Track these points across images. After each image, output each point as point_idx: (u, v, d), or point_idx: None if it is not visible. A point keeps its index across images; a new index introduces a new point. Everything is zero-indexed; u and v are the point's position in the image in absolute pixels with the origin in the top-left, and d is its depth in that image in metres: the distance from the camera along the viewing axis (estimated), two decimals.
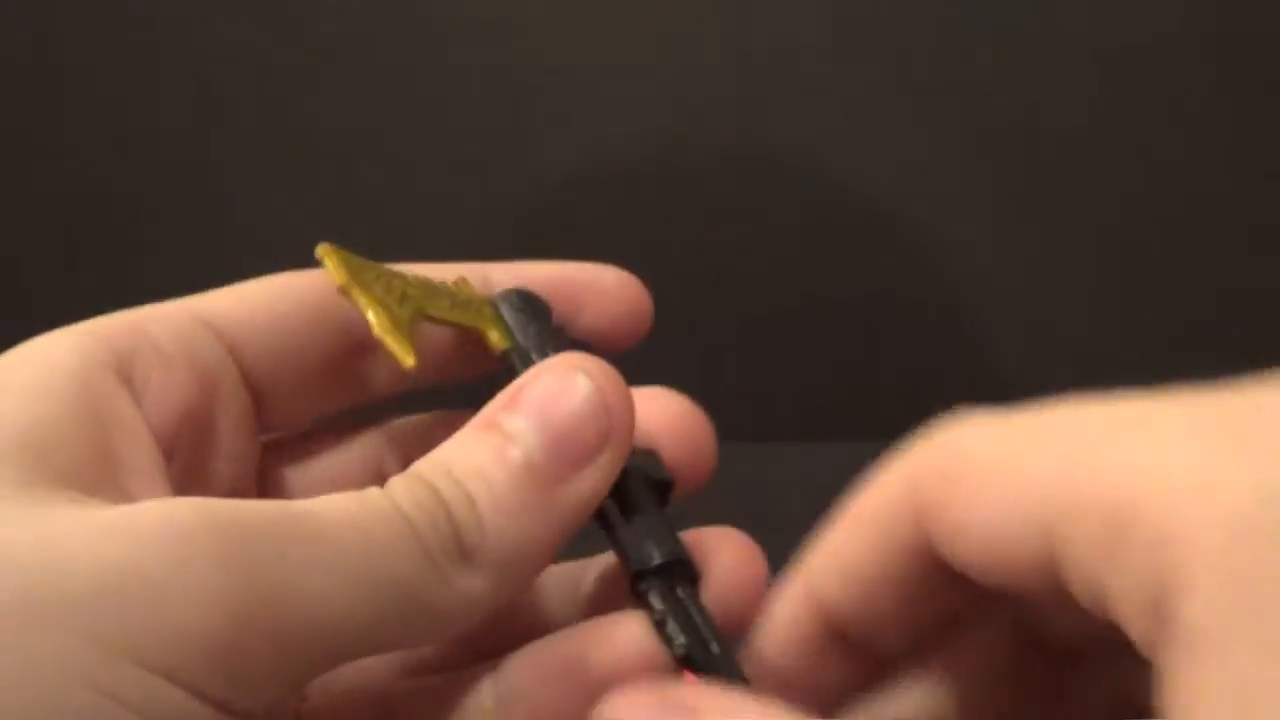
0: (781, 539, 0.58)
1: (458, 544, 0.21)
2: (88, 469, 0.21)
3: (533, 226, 0.66)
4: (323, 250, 0.28)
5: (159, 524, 0.19)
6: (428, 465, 0.23)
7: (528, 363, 0.27)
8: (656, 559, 0.26)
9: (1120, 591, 0.16)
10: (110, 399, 0.23)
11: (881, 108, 0.69)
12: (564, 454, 0.23)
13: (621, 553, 0.27)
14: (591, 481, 0.23)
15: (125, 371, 0.24)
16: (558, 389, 0.24)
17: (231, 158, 0.69)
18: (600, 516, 0.27)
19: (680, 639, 0.25)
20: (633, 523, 0.27)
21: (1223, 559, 0.15)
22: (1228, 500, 0.15)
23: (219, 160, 0.70)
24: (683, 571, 0.27)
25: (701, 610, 0.26)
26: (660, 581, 0.26)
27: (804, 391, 0.71)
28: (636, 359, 0.70)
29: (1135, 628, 0.16)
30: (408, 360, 0.27)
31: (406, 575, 0.21)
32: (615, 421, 0.23)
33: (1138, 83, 0.70)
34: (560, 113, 0.64)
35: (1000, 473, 0.18)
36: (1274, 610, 0.14)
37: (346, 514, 0.21)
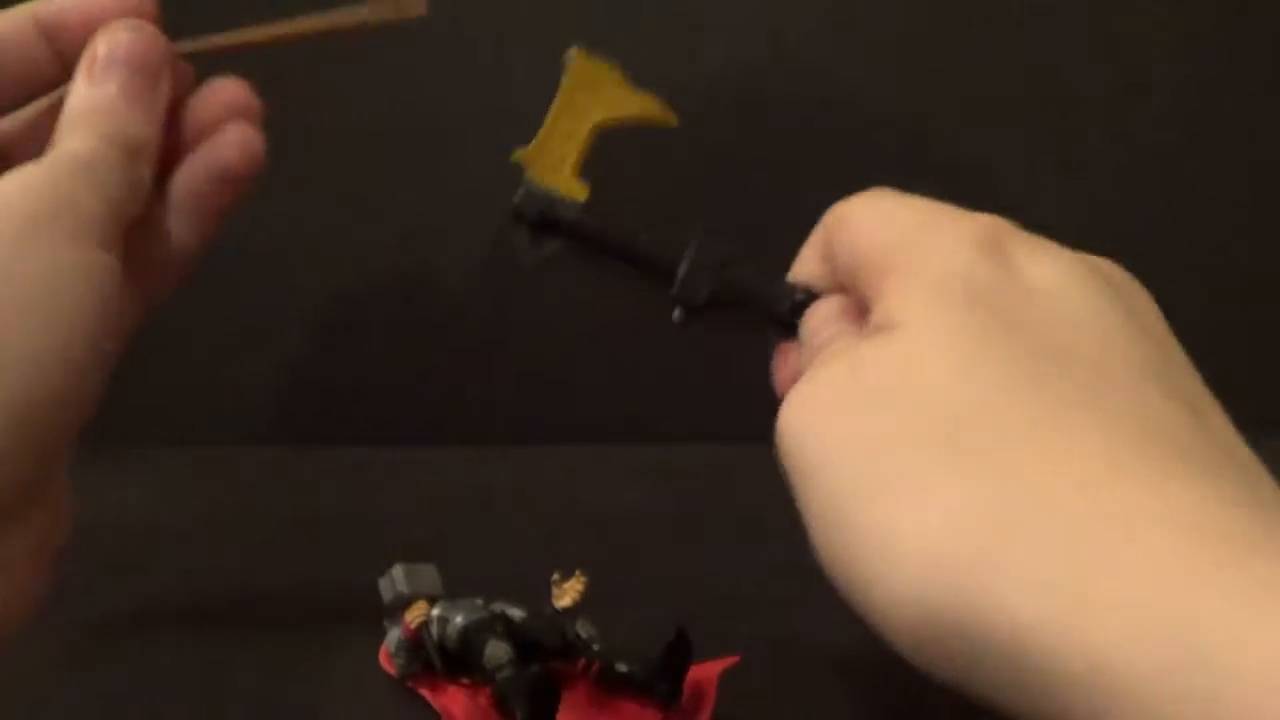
0: (781, 539, 0.58)
1: (131, 148, 0.32)
2: None
3: None
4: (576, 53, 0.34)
5: (56, 176, 0.30)
6: (74, 118, 0.32)
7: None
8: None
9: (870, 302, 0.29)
10: None
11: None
12: (142, 77, 0.33)
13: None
14: (165, 91, 0.33)
15: None
16: (117, 44, 0.33)
17: None
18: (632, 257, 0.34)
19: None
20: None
21: (894, 279, 0.28)
22: (928, 244, 0.28)
23: None
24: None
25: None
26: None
27: None
28: (637, 358, 0.70)
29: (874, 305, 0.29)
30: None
31: (129, 175, 0.31)
32: (155, 46, 0.33)
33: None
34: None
35: (851, 227, 0.30)
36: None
37: (86, 145, 0.31)
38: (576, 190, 0.34)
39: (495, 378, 0.67)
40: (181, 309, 0.66)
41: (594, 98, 0.34)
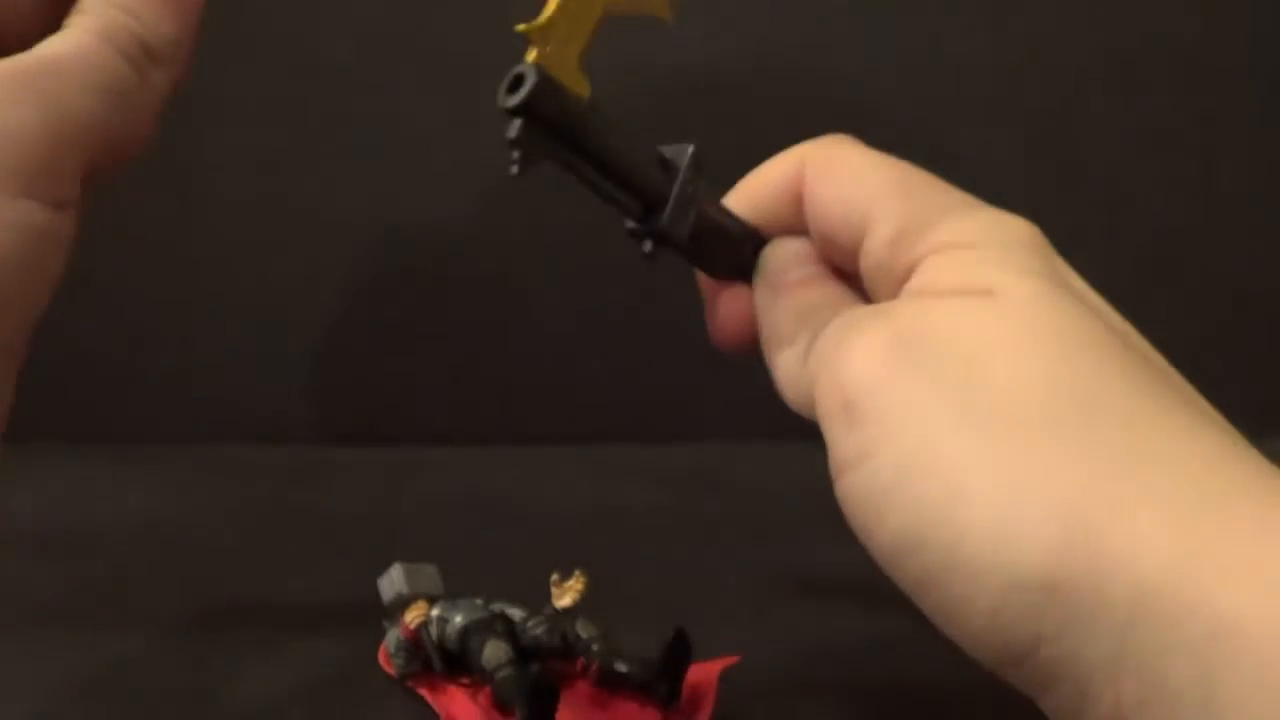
0: (782, 539, 0.58)
1: (142, 48, 0.29)
2: None
3: None
4: None
5: None
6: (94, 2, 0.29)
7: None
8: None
9: (887, 267, 0.29)
10: None
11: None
12: None
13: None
14: None
15: None
16: None
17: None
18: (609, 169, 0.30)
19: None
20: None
21: (963, 253, 0.27)
22: (995, 229, 0.28)
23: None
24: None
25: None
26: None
27: None
28: (637, 358, 0.70)
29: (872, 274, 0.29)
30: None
31: (120, 78, 0.28)
32: None
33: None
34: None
35: (848, 182, 0.30)
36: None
37: (79, 48, 0.28)
38: (580, 84, 0.29)
39: (495, 378, 0.67)
40: (182, 309, 0.67)
41: None
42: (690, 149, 0.31)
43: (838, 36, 0.64)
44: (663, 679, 0.36)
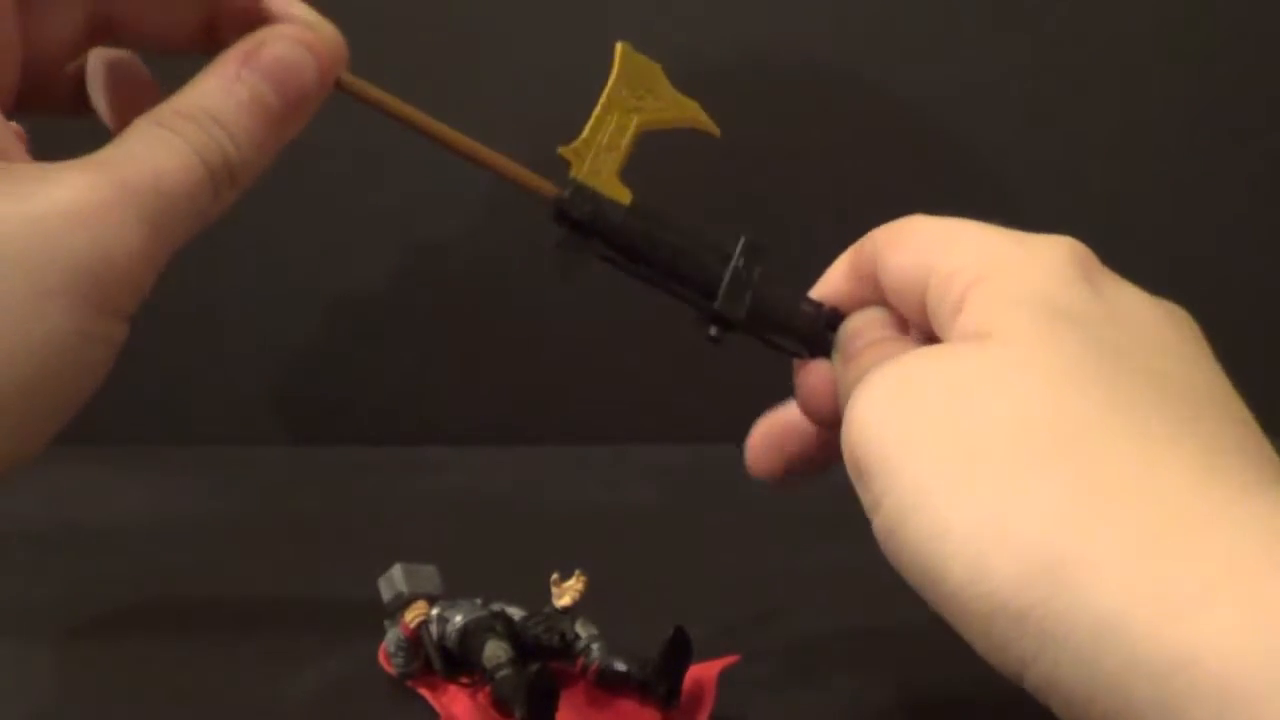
0: (782, 539, 0.58)
1: (229, 174, 0.28)
2: None
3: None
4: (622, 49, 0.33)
5: (98, 210, 0.26)
6: (189, 107, 0.28)
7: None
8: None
9: (945, 304, 0.29)
10: None
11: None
12: (291, 108, 0.30)
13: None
14: (303, 122, 0.30)
15: None
16: (290, 59, 0.30)
17: None
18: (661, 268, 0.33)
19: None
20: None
21: (984, 292, 0.28)
22: (1024, 259, 0.29)
23: None
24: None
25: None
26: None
27: None
28: (637, 358, 0.70)
29: (946, 314, 0.29)
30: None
31: (203, 203, 0.28)
32: (324, 84, 0.31)
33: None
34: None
35: (915, 244, 0.31)
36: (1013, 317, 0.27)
37: (183, 170, 0.27)
38: (620, 192, 0.33)
39: (495, 378, 0.67)
40: (182, 309, 0.67)
41: (641, 97, 0.33)
42: (743, 236, 0.34)
43: (855, 34, 0.65)
44: (662, 679, 0.36)
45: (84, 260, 0.25)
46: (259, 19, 0.30)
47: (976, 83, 0.65)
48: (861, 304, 0.33)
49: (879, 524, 0.27)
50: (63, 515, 0.56)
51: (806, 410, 0.34)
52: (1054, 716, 0.24)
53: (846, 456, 0.28)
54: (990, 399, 0.26)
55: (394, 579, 0.40)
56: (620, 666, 0.37)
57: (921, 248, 0.31)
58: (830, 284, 0.34)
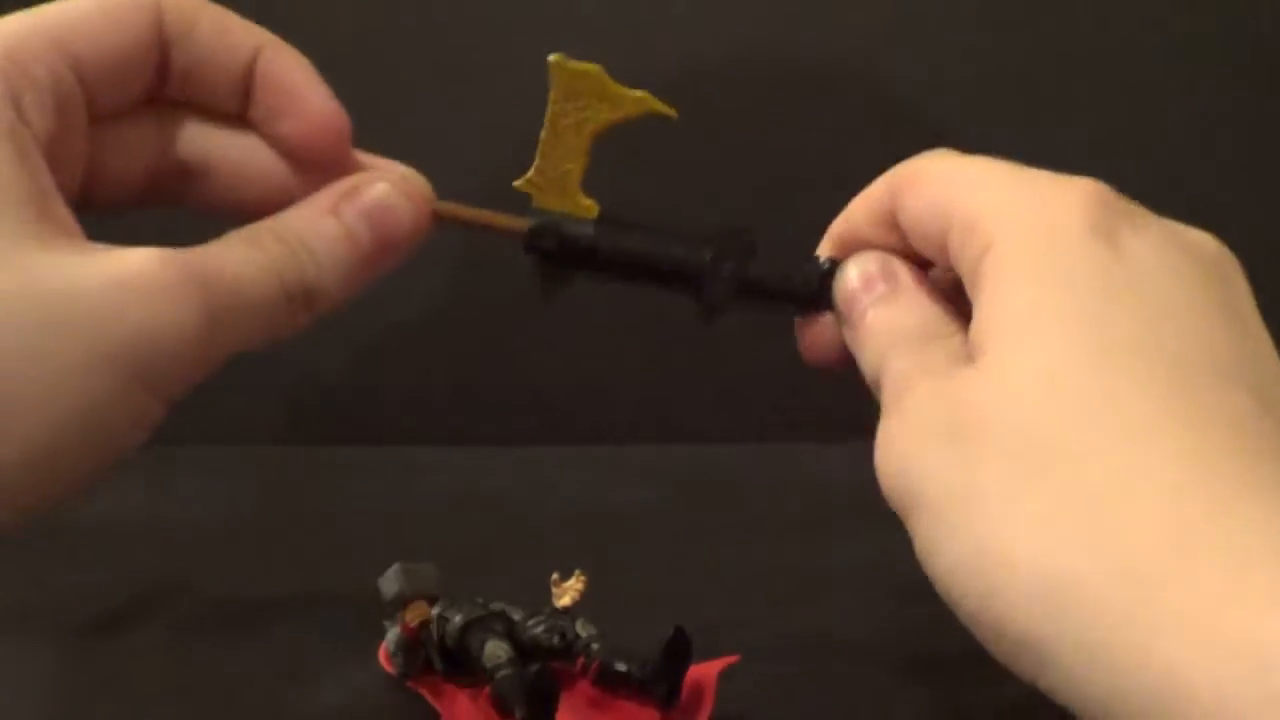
0: (782, 539, 0.58)
1: (305, 294, 0.29)
2: (38, 202, 0.26)
3: None
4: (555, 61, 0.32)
5: (159, 285, 0.26)
6: (279, 226, 0.29)
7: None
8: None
9: (965, 260, 0.29)
10: (19, 130, 0.27)
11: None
12: (384, 248, 0.31)
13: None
14: (394, 263, 0.31)
15: (16, 101, 0.27)
16: (389, 203, 0.31)
17: None
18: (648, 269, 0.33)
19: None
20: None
21: (992, 275, 0.28)
22: (1034, 217, 0.28)
23: None
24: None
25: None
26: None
27: (808, 391, 0.71)
28: (637, 358, 0.70)
29: (967, 274, 0.29)
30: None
31: (275, 314, 0.28)
32: (419, 228, 0.32)
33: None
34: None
35: (934, 186, 0.30)
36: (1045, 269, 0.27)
37: (257, 285, 0.28)
38: (585, 208, 0.33)
39: (495, 378, 0.67)
40: None
41: (585, 106, 0.33)
42: (717, 225, 0.33)
43: (854, 29, 0.65)
44: (662, 679, 0.36)
45: (136, 331, 0.25)
46: (351, 171, 0.31)
47: (976, 82, 0.65)
48: (886, 244, 0.32)
49: (921, 559, 0.27)
50: (63, 515, 0.55)
51: (810, 362, 0.34)
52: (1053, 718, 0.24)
53: (884, 490, 0.28)
54: (986, 426, 0.26)
55: (394, 579, 0.40)
56: (620, 666, 0.37)
57: (940, 193, 0.30)
58: (853, 219, 0.33)
